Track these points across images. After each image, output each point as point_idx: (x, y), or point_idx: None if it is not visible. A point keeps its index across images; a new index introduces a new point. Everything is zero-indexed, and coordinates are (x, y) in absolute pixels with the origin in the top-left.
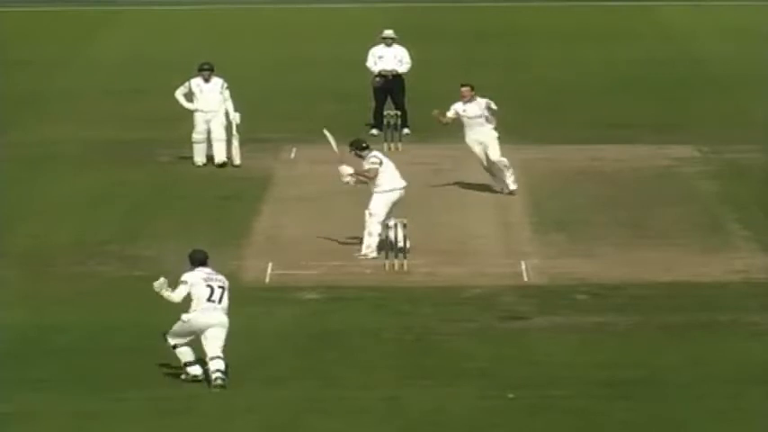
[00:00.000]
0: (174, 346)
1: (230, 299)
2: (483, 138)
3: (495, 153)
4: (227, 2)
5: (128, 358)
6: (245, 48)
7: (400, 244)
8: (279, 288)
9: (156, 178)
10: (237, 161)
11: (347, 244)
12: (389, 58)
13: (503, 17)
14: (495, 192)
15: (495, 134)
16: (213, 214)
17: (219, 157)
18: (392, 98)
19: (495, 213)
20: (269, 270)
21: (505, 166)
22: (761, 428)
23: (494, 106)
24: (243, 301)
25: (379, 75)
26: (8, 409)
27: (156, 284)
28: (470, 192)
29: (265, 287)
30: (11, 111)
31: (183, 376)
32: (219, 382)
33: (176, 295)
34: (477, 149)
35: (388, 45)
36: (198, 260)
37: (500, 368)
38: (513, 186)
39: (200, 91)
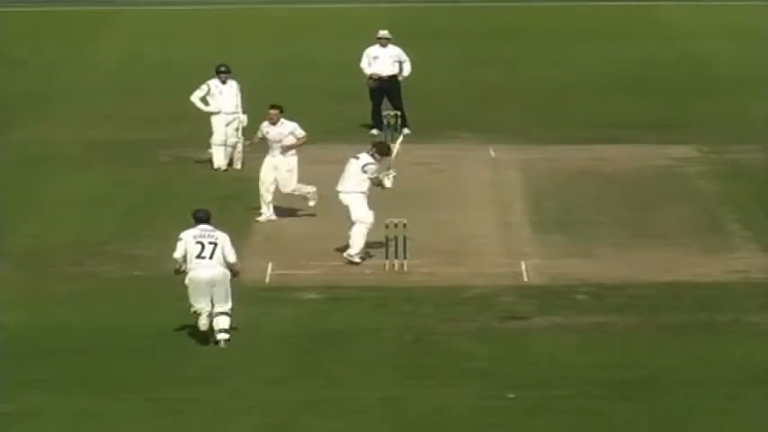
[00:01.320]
0: (195, 313)
1: (227, 256)
2: (280, 164)
3: (288, 184)
4: (227, 2)
5: (128, 358)
6: (245, 48)
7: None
8: (279, 288)
9: (156, 178)
10: (239, 165)
11: (347, 244)
12: (384, 58)
13: (503, 17)
14: (496, 191)
15: (295, 163)
16: (213, 214)
17: (226, 160)
18: (389, 99)
19: (495, 213)
20: (269, 270)
21: (306, 194)
22: (761, 428)
23: (299, 133)
24: (243, 301)
25: (371, 77)
26: (8, 409)
27: (177, 266)
28: (470, 192)
29: (265, 287)
30: (11, 111)
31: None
32: (222, 344)
33: (176, 253)
34: (270, 175)
35: (383, 45)
36: (197, 218)
37: (500, 368)
38: (311, 203)
39: (219, 93)
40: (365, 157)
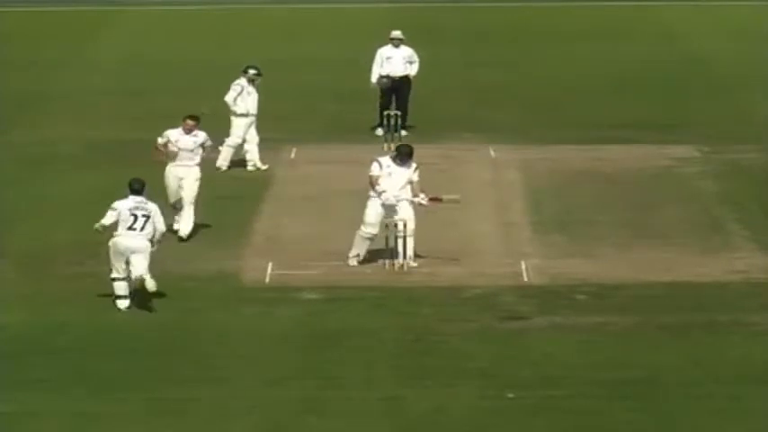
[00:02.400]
0: (114, 279)
1: (157, 225)
2: (184, 174)
3: (190, 194)
4: (228, 2)
5: (127, 358)
6: (246, 48)
7: (400, 245)
8: (279, 288)
9: (156, 178)
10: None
11: (347, 244)
12: (398, 59)
13: (503, 17)
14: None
15: (199, 174)
16: (213, 214)
17: (256, 160)
18: (397, 99)
19: (495, 213)
20: (269, 270)
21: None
22: (761, 428)
23: (209, 143)
24: (243, 301)
25: (387, 76)
26: (8, 409)
27: (95, 226)
28: (470, 192)
29: (265, 287)
30: (11, 111)
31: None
32: (150, 285)
33: (105, 220)
34: (174, 184)
35: (396, 46)
36: (133, 189)
37: (500, 368)
38: (185, 233)
39: (248, 93)
40: (410, 163)
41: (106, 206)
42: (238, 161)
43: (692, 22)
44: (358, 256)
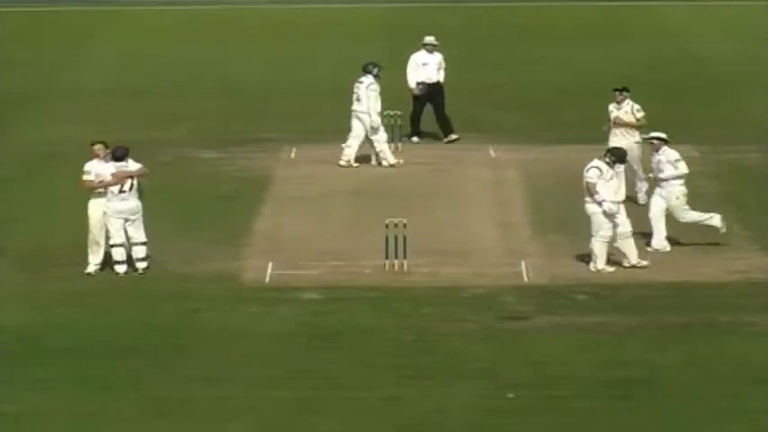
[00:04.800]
0: (113, 246)
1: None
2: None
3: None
4: (228, 2)
5: (128, 358)
6: (245, 48)
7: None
8: (279, 288)
9: (156, 178)
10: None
11: (347, 244)
12: (432, 64)
13: (503, 17)
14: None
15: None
16: (213, 214)
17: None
18: (434, 106)
19: (495, 213)
20: (269, 270)
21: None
22: (761, 428)
23: (144, 171)
24: (243, 301)
25: (423, 83)
26: (8, 409)
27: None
28: (470, 192)
29: (265, 287)
30: (11, 111)
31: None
32: (141, 272)
33: (87, 176)
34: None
35: (430, 52)
36: (116, 157)
37: (500, 368)
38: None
39: (372, 91)
40: (595, 162)
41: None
42: (249, 157)
43: (692, 22)
44: (609, 262)
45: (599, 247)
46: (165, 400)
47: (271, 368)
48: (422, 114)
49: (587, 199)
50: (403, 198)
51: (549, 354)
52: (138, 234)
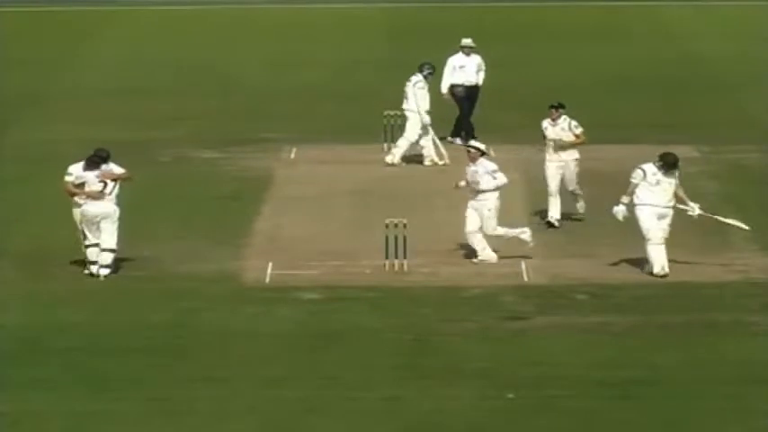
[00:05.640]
0: (87, 246)
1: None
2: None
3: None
4: (228, 2)
5: (128, 358)
6: (245, 48)
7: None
8: (279, 288)
9: (156, 178)
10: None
11: (347, 244)
12: (471, 66)
13: (502, 17)
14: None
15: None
16: (213, 214)
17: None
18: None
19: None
20: (269, 270)
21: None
22: (761, 428)
23: (128, 176)
24: (243, 301)
25: (461, 85)
26: (8, 409)
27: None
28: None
29: (265, 287)
30: (11, 110)
31: (85, 271)
32: (101, 278)
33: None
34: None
35: (467, 54)
36: (103, 158)
37: (500, 368)
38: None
39: (427, 92)
40: (645, 164)
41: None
42: (249, 157)
43: (692, 22)
44: (663, 267)
45: (653, 250)
46: (165, 400)
47: (271, 368)
48: (470, 114)
49: (635, 202)
50: (403, 198)
51: (549, 354)
52: (109, 240)
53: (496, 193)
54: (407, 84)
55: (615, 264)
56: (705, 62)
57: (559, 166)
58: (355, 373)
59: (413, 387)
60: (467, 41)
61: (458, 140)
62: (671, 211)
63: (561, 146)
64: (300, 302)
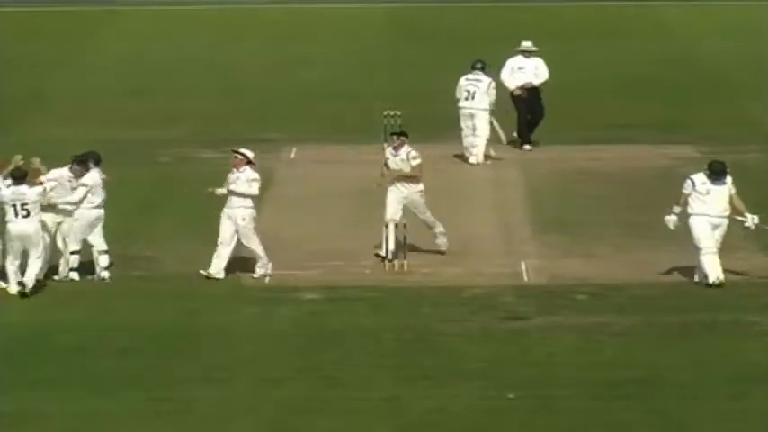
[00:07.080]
0: (74, 252)
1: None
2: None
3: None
4: (227, 2)
5: (128, 358)
6: (246, 48)
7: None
8: (279, 288)
9: (156, 178)
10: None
11: (347, 244)
12: (530, 69)
13: (502, 17)
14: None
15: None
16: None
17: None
18: (531, 110)
19: (495, 213)
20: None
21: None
22: (761, 428)
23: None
24: (243, 301)
25: (521, 87)
26: (8, 409)
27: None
28: (470, 192)
29: (265, 287)
30: (12, 110)
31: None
32: (107, 280)
33: (76, 197)
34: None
35: (527, 56)
36: (96, 161)
37: (500, 368)
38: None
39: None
40: (696, 174)
41: (106, 206)
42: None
43: (692, 22)
44: (717, 277)
45: (706, 260)
46: (165, 400)
47: (271, 368)
48: (526, 118)
49: (688, 212)
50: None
51: (549, 354)
52: (102, 242)
53: (252, 203)
54: (475, 83)
55: (615, 264)
56: (705, 62)
57: (403, 197)
58: (355, 373)
59: (413, 387)
60: (527, 44)
61: (527, 147)
62: (725, 221)
63: (405, 177)
64: (300, 302)
